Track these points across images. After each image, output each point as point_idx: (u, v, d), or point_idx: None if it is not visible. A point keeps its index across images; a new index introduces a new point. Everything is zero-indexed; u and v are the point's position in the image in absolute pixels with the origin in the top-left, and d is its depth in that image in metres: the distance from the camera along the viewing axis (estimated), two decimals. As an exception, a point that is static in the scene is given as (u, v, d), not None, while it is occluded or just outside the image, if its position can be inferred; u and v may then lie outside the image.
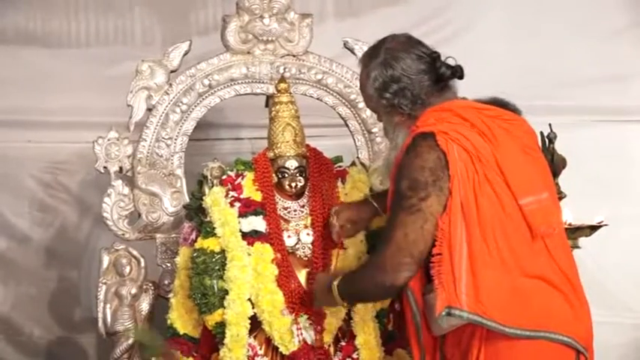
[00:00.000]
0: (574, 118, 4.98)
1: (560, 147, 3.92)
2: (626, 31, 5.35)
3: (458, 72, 3.38)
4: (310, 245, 3.60)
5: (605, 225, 3.90)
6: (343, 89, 4.12)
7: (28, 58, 5.21)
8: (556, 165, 3.91)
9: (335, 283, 3.11)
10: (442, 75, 3.32)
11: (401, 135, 3.24)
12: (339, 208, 3.54)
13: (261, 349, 3.46)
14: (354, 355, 3.49)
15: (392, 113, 3.26)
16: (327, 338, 3.48)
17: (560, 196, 3.86)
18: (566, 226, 3.83)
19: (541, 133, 3.92)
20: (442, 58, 4.17)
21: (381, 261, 3.05)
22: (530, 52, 5.39)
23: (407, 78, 3.20)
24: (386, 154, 3.40)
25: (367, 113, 4.08)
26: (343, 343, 3.52)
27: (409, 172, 3.07)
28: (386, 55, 3.22)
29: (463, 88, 5.04)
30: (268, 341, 3.46)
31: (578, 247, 3.90)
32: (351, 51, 4.12)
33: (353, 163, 3.83)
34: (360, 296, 3.22)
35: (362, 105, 4.02)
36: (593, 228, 3.87)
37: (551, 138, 3.92)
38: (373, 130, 4.12)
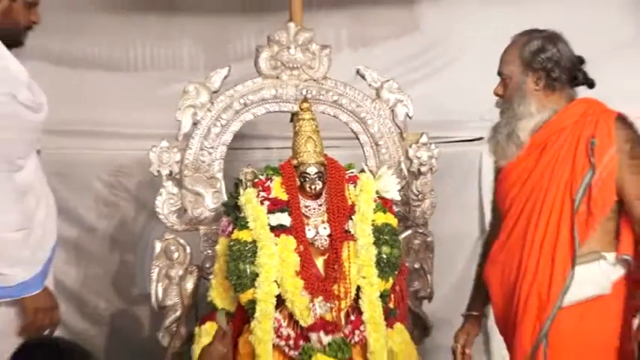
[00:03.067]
0: None
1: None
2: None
3: (591, 83, 3.38)
4: (326, 237, 3.63)
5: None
6: (355, 108, 4.14)
7: (93, 80, 5.26)
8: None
9: None
10: (578, 77, 3.33)
11: (533, 104, 3.30)
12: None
13: (284, 322, 3.50)
14: (361, 328, 3.52)
15: (533, 81, 3.31)
16: (339, 315, 3.53)
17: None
18: None
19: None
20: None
21: None
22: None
23: (560, 55, 3.26)
24: (503, 121, 3.40)
25: (374, 129, 4.12)
26: (352, 318, 3.55)
27: None
28: (551, 34, 3.31)
29: (453, 102, 5.13)
30: (290, 316, 3.50)
31: None
32: (362, 77, 4.18)
33: (362, 170, 3.85)
34: None
35: (370, 122, 4.10)
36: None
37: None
38: (379, 143, 4.13)
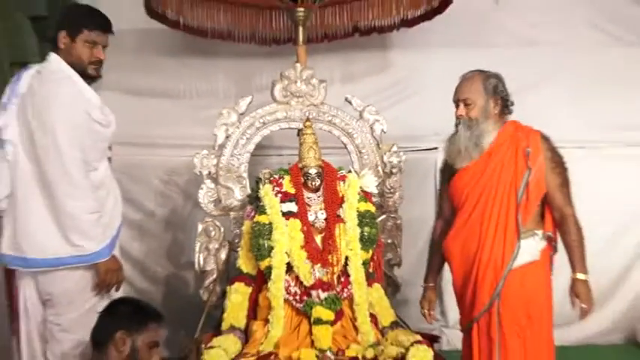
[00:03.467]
0: None
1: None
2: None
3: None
4: (323, 220, 3.62)
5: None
6: (344, 126, 4.15)
7: (153, 105, 5.29)
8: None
9: None
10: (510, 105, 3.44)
11: (491, 123, 3.37)
12: None
13: (292, 282, 3.50)
14: (349, 287, 3.52)
15: (493, 106, 3.37)
16: (333, 277, 3.53)
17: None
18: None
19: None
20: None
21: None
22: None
23: (506, 92, 3.37)
24: (464, 134, 3.38)
25: (358, 141, 4.15)
26: (342, 280, 3.54)
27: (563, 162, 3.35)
28: (497, 74, 3.42)
29: (416, 121, 5.11)
30: (297, 278, 3.50)
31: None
32: (349, 103, 4.20)
33: (349, 171, 3.84)
34: None
35: (355, 136, 4.13)
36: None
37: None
38: (362, 151, 4.15)
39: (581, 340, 5.19)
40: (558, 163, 3.35)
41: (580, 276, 3.29)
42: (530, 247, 3.29)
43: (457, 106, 3.44)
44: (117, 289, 3.27)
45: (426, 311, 3.72)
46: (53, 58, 3.22)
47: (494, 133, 3.35)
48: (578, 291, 3.29)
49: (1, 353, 4.04)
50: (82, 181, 3.08)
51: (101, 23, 3.28)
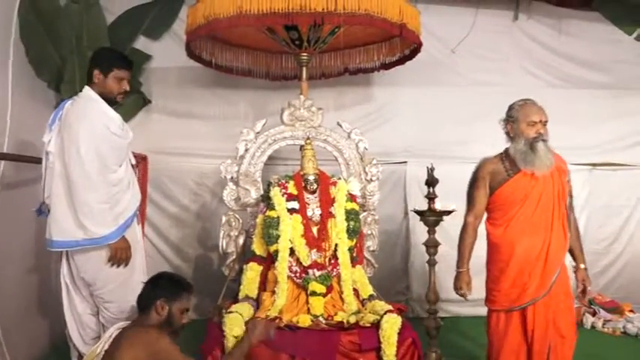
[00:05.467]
0: (446, 160, 4.83)
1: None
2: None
3: None
4: (319, 215, 3.59)
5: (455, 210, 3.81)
6: (336, 144, 4.08)
7: (190, 125, 5.22)
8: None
9: None
10: None
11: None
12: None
13: (294, 263, 3.47)
14: (338, 267, 3.50)
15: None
16: (325, 259, 3.50)
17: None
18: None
19: (427, 167, 3.92)
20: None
21: None
22: (425, 127, 5.29)
23: None
24: (544, 148, 3.10)
25: (347, 155, 4.07)
26: (332, 261, 3.52)
27: None
28: None
29: (390, 141, 5.07)
30: (297, 260, 3.47)
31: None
32: (340, 126, 4.12)
33: (339, 178, 3.82)
34: None
35: (344, 151, 4.05)
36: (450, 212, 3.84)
37: (431, 168, 3.89)
38: (349, 163, 4.06)
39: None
40: (569, 179, 3.25)
41: (583, 265, 3.20)
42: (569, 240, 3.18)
43: (531, 125, 3.12)
44: (125, 265, 3.18)
45: (464, 291, 3.33)
46: (84, 89, 3.25)
47: None
48: (583, 276, 3.19)
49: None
50: (97, 178, 3.03)
51: (126, 63, 3.31)
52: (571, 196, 3.23)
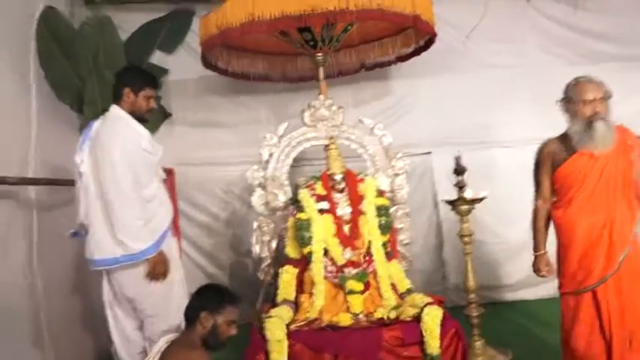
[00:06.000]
0: (470, 147, 4.81)
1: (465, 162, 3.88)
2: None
3: None
4: (349, 214, 3.57)
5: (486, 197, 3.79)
6: (360, 140, 4.05)
7: (212, 134, 5.25)
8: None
9: None
10: None
11: (612, 120, 3.03)
12: None
13: (329, 262, 3.45)
14: (373, 264, 3.48)
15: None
16: (359, 257, 3.48)
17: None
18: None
19: (454, 156, 3.90)
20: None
21: None
22: (446, 115, 5.25)
23: None
24: (603, 127, 2.95)
25: (371, 151, 4.04)
26: (367, 258, 3.49)
27: None
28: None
29: (412, 132, 5.05)
30: (332, 259, 3.45)
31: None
32: (362, 122, 4.11)
33: (366, 175, 3.80)
34: None
35: (369, 147, 4.02)
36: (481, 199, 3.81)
37: (459, 157, 3.86)
38: (375, 158, 4.03)
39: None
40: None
41: None
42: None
43: (591, 105, 2.99)
44: (164, 278, 3.20)
45: (545, 273, 3.24)
46: (112, 108, 3.28)
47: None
48: None
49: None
50: (132, 194, 3.07)
51: (155, 82, 3.43)
52: None
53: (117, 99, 3.28)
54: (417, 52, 4.56)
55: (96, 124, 3.27)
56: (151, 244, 3.12)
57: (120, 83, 3.30)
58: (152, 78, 3.41)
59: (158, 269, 3.16)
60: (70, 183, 3.51)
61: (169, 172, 4.48)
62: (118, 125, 3.18)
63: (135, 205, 3.08)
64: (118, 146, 3.08)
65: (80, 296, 4.28)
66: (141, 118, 3.28)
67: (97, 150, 3.12)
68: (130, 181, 3.07)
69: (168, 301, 3.18)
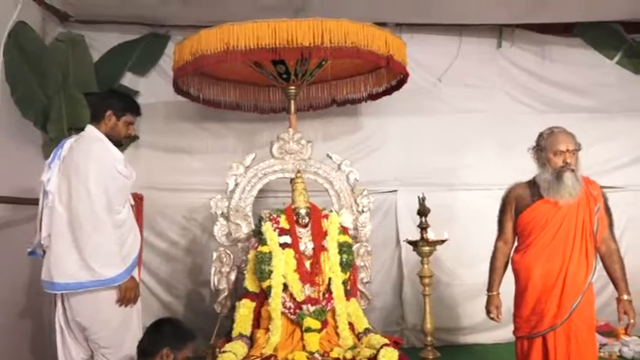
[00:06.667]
0: (435, 187, 4.90)
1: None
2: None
3: None
4: (311, 249, 3.54)
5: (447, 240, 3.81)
6: (326, 175, 4.04)
7: (180, 160, 5.19)
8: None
9: None
10: None
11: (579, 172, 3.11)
12: None
13: (288, 298, 3.40)
14: (332, 302, 3.44)
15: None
16: (319, 294, 3.44)
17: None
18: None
19: (418, 196, 3.91)
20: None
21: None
22: (414, 155, 5.28)
23: None
24: (572, 178, 3.04)
25: (337, 187, 4.04)
26: (327, 295, 3.45)
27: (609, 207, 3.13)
28: None
29: (379, 170, 5.06)
30: (291, 295, 3.40)
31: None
32: (330, 157, 4.10)
33: (331, 211, 3.78)
34: None
35: (335, 183, 4.02)
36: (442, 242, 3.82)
37: (423, 198, 3.87)
38: (340, 195, 4.03)
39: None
40: (608, 207, 3.15)
41: (626, 297, 3.08)
42: (595, 269, 3.08)
43: (562, 155, 3.07)
44: (134, 303, 3.12)
45: (494, 315, 3.28)
46: (88, 128, 3.20)
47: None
48: (625, 308, 3.07)
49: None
50: (106, 219, 2.97)
51: (138, 110, 3.35)
52: (611, 225, 3.16)
53: (95, 120, 3.20)
54: (388, 91, 4.60)
55: (68, 143, 3.18)
56: (123, 270, 3.01)
57: (102, 105, 3.22)
58: (136, 105, 3.34)
59: (129, 294, 3.06)
60: (30, 202, 3.41)
61: (139, 199, 4.37)
62: (94, 146, 3.09)
63: (108, 229, 2.97)
64: (94, 168, 2.99)
65: (30, 319, 4.13)
66: (117, 143, 3.21)
67: (71, 170, 3.01)
68: (104, 204, 2.97)
69: (125, 333, 3.06)
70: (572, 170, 3.06)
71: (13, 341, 3.94)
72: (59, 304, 3.13)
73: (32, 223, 3.77)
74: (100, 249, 2.95)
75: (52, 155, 3.20)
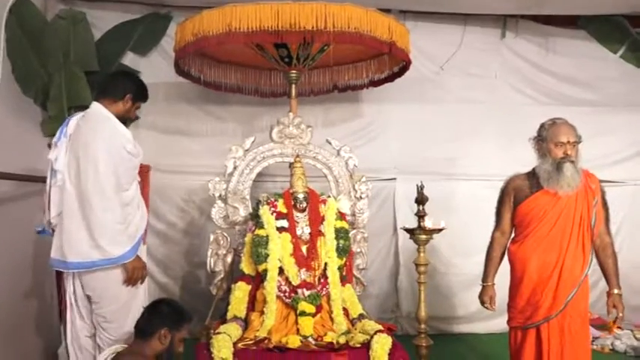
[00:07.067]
0: (434, 177, 4.92)
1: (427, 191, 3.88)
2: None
3: None
4: (308, 234, 3.53)
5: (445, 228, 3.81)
6: (325, 161, 4.03)
7: (179, 142, 5.18)
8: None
9: None
10: None
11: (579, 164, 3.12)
12: None
13: (283, 282, 3.38)
14: (327, 287, 3.42)
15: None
16: (314, 278, 3.42)
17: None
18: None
19: (417, 185, 3.89)
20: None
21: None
22: (414, 143, 5.28)
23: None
24: (572, 169, 3.05)
25: (336, 172, 4.02)
26: (322, 280, 3.43)
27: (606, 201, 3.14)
28: None
29: (379, 157, 5.05)
30: (287, 279, 3.38)
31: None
32: (329, 143, 4.08)
33: (329, 196, 3.76)
34: None
35: (334, 168, 4.00)
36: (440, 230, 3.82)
37: (421, 186, 3.86)
38: (339, 180, 4.01)
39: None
40: (605, 202, 3.15)
41: (617, 291, 3.10)
42: (591, 262, 3.11)
43: (558, 146, 3.08)
44: (141, 282, 3.14)
45: (487, 305, 3.31)
46: (95, 106, 3.18)
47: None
48: (614, 302, 3.09)
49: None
50: (114, 197, 2.97)
51: (147, 97, 3.40)
52: (607, 219, 3.16)
53: (106, 98, 3.18)
54: (390, 78, 4.57)
55: (73, 121, 3.15)
56: (128, 248, 3.02)
57: (124, 87, 3.22)
58: (147, 93, 3.39)
59: (136, 274, 3.07)
60: (28, 179, 3.39)
61: (145, 171, 4.25)
62: (103, 125, 3.07)
63: (116, 208, 2.97)
64: (103, 148, 2.97)
65: (33, 296, 4.15)
66: (122, 122, 3.21)
67: (80, 150, 2.99)
68: (113, 183, 2.97)
69: (129, 311, 3.07)
70: (572, 161, 3.06)
71: (18, 318, 3.95)
72: (70, 280, 3.13)
73: (32, 200, 3.79)
74: (108, 228, 2.96)
75: (57, 133, 3.17)
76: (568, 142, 3.07)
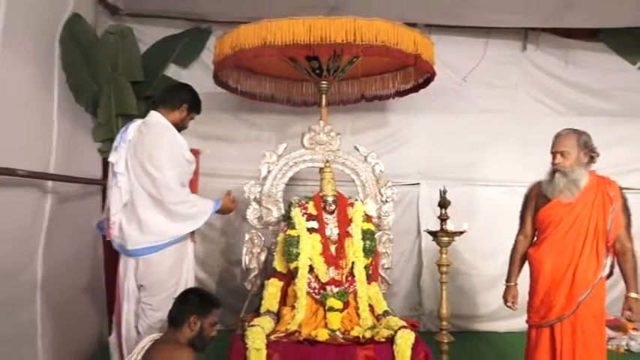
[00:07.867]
0: (456, 182, 4.94)
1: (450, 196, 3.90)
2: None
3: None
4: (337, 235, 3.58)
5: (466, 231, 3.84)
6: (353, 166, 4.07)
7: (217, 148, 5.21)
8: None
9: None
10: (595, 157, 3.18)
11: (582, 170, 3.13)
12: None
13: (313, 279, 3.45)
14: (354, 284, 3.48)
15: (582, 157, 3.13)
16: (343, 277, 3.48)
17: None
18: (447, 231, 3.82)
19: (440, 189, 3.91)
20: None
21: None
22: (437, 151, 5.30)
23: (593, 147, 3.16)
24: (561, 179, 3.12)
25: (363, 177, 4.06)
26: (349, 278, 3.49)
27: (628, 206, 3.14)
28: (586, 134, 3.18)
29: (404, 163, 5.07)
30: (316, 276, 3.45)
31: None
32: (357, 150, 4.11)
33: (356, 200, 3.81)
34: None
35: (361, 173, 4.04)
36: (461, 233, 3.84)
37: (444, 191, 3.88)
38: (365, 185, 4.04)
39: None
40: (627, 207, 3.15)
41: (634, 295, 3.09)
42: (606, 266, 3.11)
43: (554, 157, 3.17)
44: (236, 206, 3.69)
45: (510, 304, 3.40)
46: (154, 114, 3.36)
47: (585, 178, 3.13)
48: (632, 306, 3.08)
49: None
50: (181, 190, 3.25)
51: (201, 109, 3.60)
52: (628, 225, 3.15)
53: (166, 108, 3.37)
54: (415, 88, 4.59)
55: (133, 127, 3.33)
56: (209, 213, 3.44)
57: (181, 97, 3.42)
58: (201, 104, 3.57)
59: (232, 206, 3.59)
60: (84, 181, 3.52)
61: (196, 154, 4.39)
62: (166, 135, 3.27)
63: (184, 197, 3.26)
64: (167, 156, 3.20)
65: (83, 286, 4.30)
66: (177, 130, 3.41)
67: (145, 157, 3.19)
68: (178, 183, 3.23)
69: (170, 300, 3.15)
70: (561, 171, 3.13)
71: (77, 307, 4.15)
72: (131, 271, 3.27)
73: (89, 199, 3.95)
74: (182, 213, 3.25)
75: (117, 138, 3.35)
76: (556, 151, 3.17)
